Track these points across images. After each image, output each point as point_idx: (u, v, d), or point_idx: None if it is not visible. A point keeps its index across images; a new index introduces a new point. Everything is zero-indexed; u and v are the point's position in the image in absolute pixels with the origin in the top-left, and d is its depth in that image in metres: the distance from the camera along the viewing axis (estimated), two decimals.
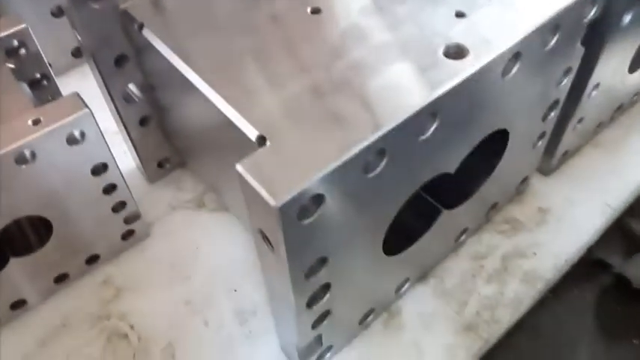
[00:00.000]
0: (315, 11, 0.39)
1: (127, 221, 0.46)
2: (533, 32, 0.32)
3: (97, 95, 0.48)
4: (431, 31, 0.35)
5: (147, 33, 0.39)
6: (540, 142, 0.45)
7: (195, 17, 0.40)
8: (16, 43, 0.45)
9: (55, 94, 0.50)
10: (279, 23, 0.38)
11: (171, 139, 0.50)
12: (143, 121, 0.49)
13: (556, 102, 0.42)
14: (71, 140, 0.38)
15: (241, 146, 0.33)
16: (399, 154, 0.29)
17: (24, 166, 0.37)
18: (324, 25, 0.38)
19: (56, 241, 0.42)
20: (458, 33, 0.32)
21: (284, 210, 0.24)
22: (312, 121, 0.30)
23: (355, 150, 0.26)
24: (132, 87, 0.46)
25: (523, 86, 0.36)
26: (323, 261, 0.30)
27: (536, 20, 0.32)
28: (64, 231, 0.42)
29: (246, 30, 0.38)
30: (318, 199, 0.26)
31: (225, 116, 0.34)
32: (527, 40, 0.32)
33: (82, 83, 0.50)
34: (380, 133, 0.26)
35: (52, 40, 0.57)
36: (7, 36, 0.44)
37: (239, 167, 0.26)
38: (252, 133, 0.32)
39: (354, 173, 0.27)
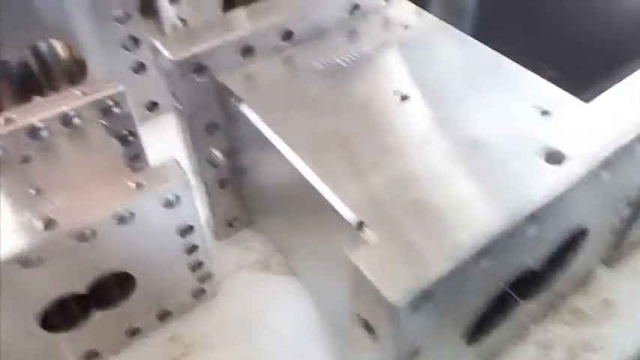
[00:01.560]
0: (404, 98, 0.41)
1: (200, 280, 0.48)
2: (628, 143, 0.33)
3: (169, 148, 0.50)
4: (521, 129, 0.37)
5: (244, 108, 0.42)
6: (613, 237, 0.46)
7: (288, 95, 0.42)
8: (111, 102, 0.48)
9: (140, 150, 0.53)
10: (368, 107, 0.41)
11: (246, 200, 0.52)
12: (222, 183, 0.51)
13: (637, 201, 0.43)
14: (167, 204, 0.40)
15: (334, 226, 0.35)
16: (501, 253, 0.30)
17: (122, 226, 0.39)
18: (413, 112, 0.40)
19: (137, 296, 0.44)
20: (551, 135, 0.34)
21: (400, 306, 0.26)
22: (414, 212, 0.31)
23: (469, 253, 0.27)
24: (216, 152, 0.49)
25: (611, 187, 0.37)
26: (417, 352, 0.31)
27: (629, 129, 0.34)
28: (145, 287, 0.44)
29: (337, 111, 0.41)
30: (429, 295, 0.27)
31: (320, 196, 0.35)
32: (622, 150, 0.33)
33: (154, 135, 0.53)
34: (491, 237, 0.28)
35: (128, 93, 0.61)
36: (106, 97, 0.48)
37: (353, 258, 0.27)
38: (351, 218, 0.33)
39: (462, 273, 0.28)
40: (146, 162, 0.55)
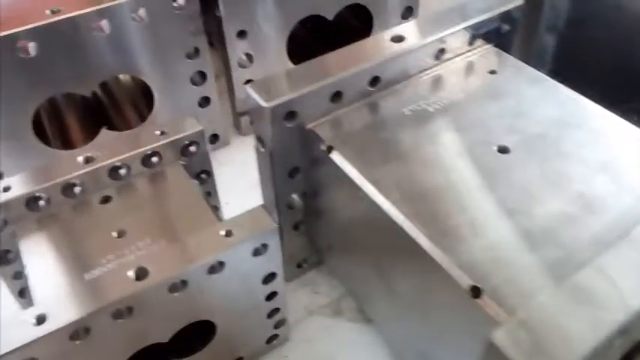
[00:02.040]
0: (503, 150, 0.40)
1: (275, 326, 0.47)
2: None
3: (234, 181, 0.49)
4: (631, 189, 0.35)
5: (335, 156, 0.41)
6: None
7: (379, 143, 0.41)
8: (190, 141, 0.48)
9: (212, 189, 0.53)
10: (465, 159, 0.40)
11: (319, 243, 0.51)
12: (296, 226, 0.50)
13: None
14: (256, 252, 0.39)
15: (443, 288, 0.33)
16: (635, 330, 0.28)
17: (212, 275, 0.38)
18: (514, 165, 0.39)
19: (214, 344, 0.43)
20: None
21: None
22: (538, 277, 0.30)
23: (608, 331, 0.26)
24: (294, 195, 0.48)
25: None
26: None
27: None
28: (224, 334, 0.43)
29: (433, 162, 0.40)
30: None
31: (427, 255, 0.34)
32: None
33: (218, 169, 0.52)
34: (633, 314, 0.26)
35: None
36: (185, 136, 0.47)
37: (497, 340, 0.26)
38: (465, 282, 0.32)
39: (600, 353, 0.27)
40: (218, 201, 0.54)
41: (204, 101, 0.64)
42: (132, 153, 0.45)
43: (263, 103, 0.40)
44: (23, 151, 0.56)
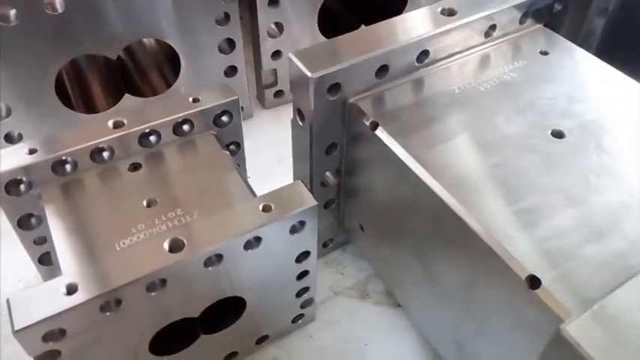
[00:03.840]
0: (558, 135, 0.38)
1: (302, 305, 0.45)
2: None
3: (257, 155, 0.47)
4: None
5: (381, 132, 0.39)
6: None
7: (426, 123, 0.39)
8: (223, 111, 0.46)
9: (242, 161, 0.51)
10: (520, 143, 0.38)
11: (350, 223, 0.49)
12: (327, 204, 0.48)
13: None
14: (293, 229, 0.37)
15: (496, 276, 0.32)
16: None
17: (248, 251, 0.36)
18: (570, 151, 0.37)
19: (243, 321, 0.41)
20: None
21: None
22: (599, 270, 0.28)
23: None
24: (329, 172, 0.46)
25: None
26: None
27: None
28: (253, 312, 0.41)
29: (483, 148, 0.37)
30: None
31: (484, 244, 0.32)
32: None
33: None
34: None
35: None
36: (219, 105, 0.45)
37: (571, 335, 0.24)
38: (523, 272, 0.30)
39: None
40: (245, 174, 0.52)
41: (231, 70, 0.62)
42: (163, 120, 0.43)
43: (307, 73, 0.38)
44: (45, 114, 0.54)
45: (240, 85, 0.63)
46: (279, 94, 0.68)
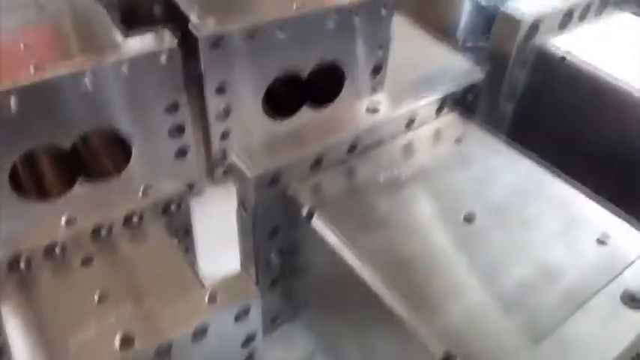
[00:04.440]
0: (469, 219, 0.43)
1: None
2: None
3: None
4: (592, 261, 0.39)
5: (316, 222, 0.43)
6: None
7: (357, 210, 0.44)
8: (174, 200, 0.49)
9: (191, 244, 0.54)
10: (437, 228, 0.43)
11: (295, 299, 0.53)
12: (273, 283, 0.51)
13: None
14: (238, 317, 0.41)
15: (415, 351, 0.36)
16: None
17: (196, 341, 0.39)
18: (480, 234, 0.42)
19: None
20: (629, 278, 0.36)
21: None
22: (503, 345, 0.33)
23: None
24: (274, 254, 0.49)
25: None
26: None
27: None
28: None
29: (407, 231, 0.42)
30: None
31: (401, 321, 0.36)
32: None
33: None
34: None
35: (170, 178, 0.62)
36: (168, 196, 0.48)
37: None
38: (437, 348, 0.34)
39: None
40: (195, 256, 0.55)
41: (182, 153, 0.65)
42: (114, 214, 0.46)
43: (247, 173, 0.42)
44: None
45: (190, 165, 0.67)
46: (228, 170, 0.72)
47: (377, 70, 0.76)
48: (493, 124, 0.59)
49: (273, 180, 0.43)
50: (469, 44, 1.13)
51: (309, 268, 0.48)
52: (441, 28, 1.08)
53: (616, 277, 0.36)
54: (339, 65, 0.72)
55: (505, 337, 0.35)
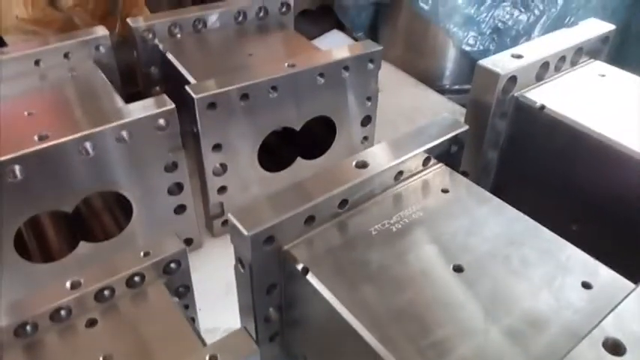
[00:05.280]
0: (458, 269, 0.45)
1: None
2: None
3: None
4: (575, 309, 0.41)
5: (311, 277, 0.45)
6: None
7: (350, 264, 0.46)
8: (172, 260, 0.51)
9: (191, 300, 0.55)
10: (428, 279, 0.44)
11: (294, 353, 0.54)
12: (272, 337, 0.53)
13: None
14: None
15: None
16: None
17: None
18: (469, 284, 0.44)
19: None
20: (610, 325, 0.37)
21: None
22: None
23: None
24: (272, 309, 0.51)
25: None
26: None
27: None
28: None
29: (400, 284, 0.44)
30: None
31: None
32: None
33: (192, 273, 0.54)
34: None
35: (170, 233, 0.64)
36: (168, 257, 0.50)
37: None
38: None
39: None
40: (195, 311, 0.57)
41: (180, 209, 0.68)
42: (117, 276, 0.48)
43: (244, 232, 0.44)
44: (4, 267, 0.57)
45: (189, 220, 0.69)
46: (226, 223, 0.74)
47: (367, 120, 0.79)
48: (480, 172, 0.62)
49: (269, 238, 0.45)
50: (456, 87, 1.17)
51: (306, 323, 0.49)
52: (427, 74, 1.13)
53: (600, 322, 0.38)
54: (331, 118, 0.75)
55: None
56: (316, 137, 0.79)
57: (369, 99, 0.77)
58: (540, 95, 0.57)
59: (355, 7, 1.10)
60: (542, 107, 0.55)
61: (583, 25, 0.65)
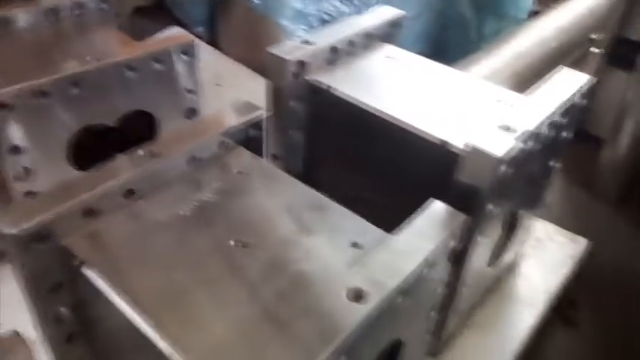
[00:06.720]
0: (244, 245, 0.46)
1: None
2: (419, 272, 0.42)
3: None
4: (336, 268, 0.44)
5: (86, 270, 0.44)
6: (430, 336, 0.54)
7: (132, 253, 0.45)
8: None
9: None
10: (211, 257, 0.45)
11: (97, 352, 0.52)
12: (70, 338, 0.50)
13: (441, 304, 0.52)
14: None
15: None
16: None
17: None
18: (251, 258, 0.45)
19: None
20: (357, 273, 0.41)
21: None
22: None
23: None
24: (62, 308, 0.49)
25: (413, 306, 0.45)
26: None
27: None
28: None
29: (181, 265, 0.44)
30: None
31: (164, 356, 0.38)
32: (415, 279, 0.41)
33: None
34: None
35: None
36: None
37: None
38: None
39: None
40: None
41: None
42: None
43: (10, 230, 0.42)
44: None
45: None
46: None
47: (191, 113, 0.79)
48: (289, 154, 0.65)
49: (40, 235, 0.43)
50: None
51: (97, 319, 0.48)
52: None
53: (351, 279, 0.41)
54: (149, 111, 0.74)
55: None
56: (140, 132, 0.77)
57: (190, 91, 0.77)
58: (329, 77, 0.61)
59: (189, 1, 1.09)
60: (328, 88, 0.59)
61: (375, 11, 0.70)
